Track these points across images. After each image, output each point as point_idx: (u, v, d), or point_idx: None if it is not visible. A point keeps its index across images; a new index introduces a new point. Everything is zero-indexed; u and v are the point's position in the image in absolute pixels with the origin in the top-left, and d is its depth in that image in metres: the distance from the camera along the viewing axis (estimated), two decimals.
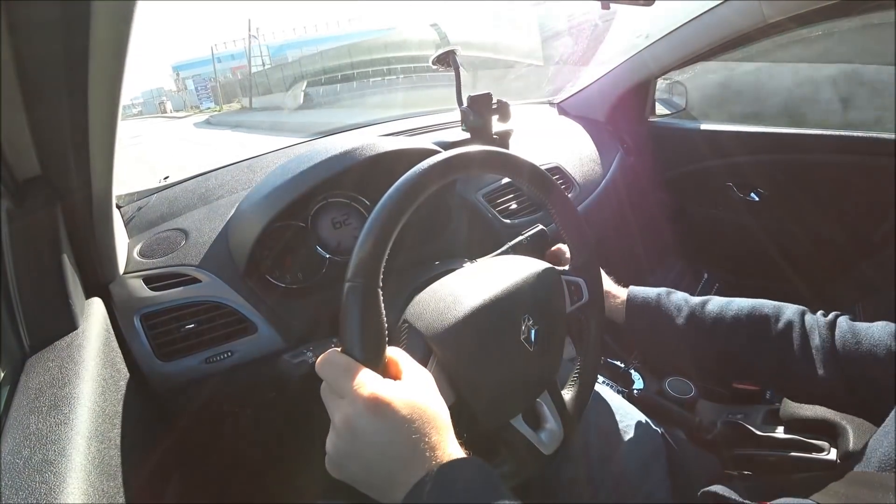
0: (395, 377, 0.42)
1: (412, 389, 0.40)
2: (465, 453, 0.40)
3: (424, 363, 0.49)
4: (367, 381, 0.39)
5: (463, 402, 0.52)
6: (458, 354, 0.52)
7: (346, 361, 0.41)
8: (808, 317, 0.63)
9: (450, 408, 0.50)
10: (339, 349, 0.42)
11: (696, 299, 0.71)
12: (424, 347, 0.52)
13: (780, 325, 0.63)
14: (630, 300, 0.72)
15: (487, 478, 0.38)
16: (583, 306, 0.66)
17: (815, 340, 0.60)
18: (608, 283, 0.74)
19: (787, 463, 0.74)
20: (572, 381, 0.66)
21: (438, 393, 0.43)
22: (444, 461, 0.37)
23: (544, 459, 0.58)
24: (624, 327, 0.72)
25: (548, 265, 0.63)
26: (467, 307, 0.53)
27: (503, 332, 0.55)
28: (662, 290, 0.73)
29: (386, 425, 0.37)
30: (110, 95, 0.53)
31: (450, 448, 0.39)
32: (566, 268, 0.67)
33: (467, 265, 0.64)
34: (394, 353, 0.45)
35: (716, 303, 0.69)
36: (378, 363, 0.42)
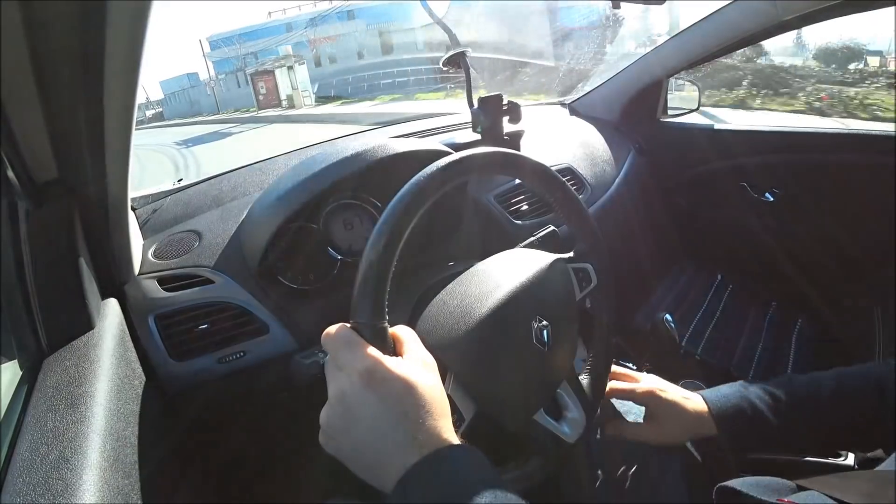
0: (399, 355, 0.42)
1: (412, 370, 0.39)
2: (461, 441, 0.38)
3: (442, 380, 0.49)
4: (366, 355, 0.38)
5: (484, 410, 0.52)
6: (473, 368, 0.52)
7: (350, 335, 0.40)
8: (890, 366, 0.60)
9: (472, 417, 0.50)
10: (347, 324, 0.42)
11: (769, 387, 0.65)
12: (440, 367, 0.52)
13: (874, 380, 0.60)
14: (716, 411, 0.64)
15: (484, 469, 0.37)
16: (592, 291, 0.66)
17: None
18: (677, 392, 0.68)
19: (802, 466, 0.73)
20: (588, 365, 0.66)
21: (439, 378, 0.42)
22: (439, 448, 0.36)
23: (570, 448, 0.58)
24: (718, 439, 0.64)
25: (553, 257, 0.63)
26: (476, 318, 0.53)
27: (515, 338, 0.55)
28: (737, 387, 0.66)
29: (377, 400, 0.37)
30: (126, 95, 0.53)
31: (445, 434, 0.37)
32: (571, 254, 0.66)
33: (473, 266, 0.64)
34: (401, 332, 0.44)
35: (802, 380, 0.64)
36: (384, 342, 0.42)
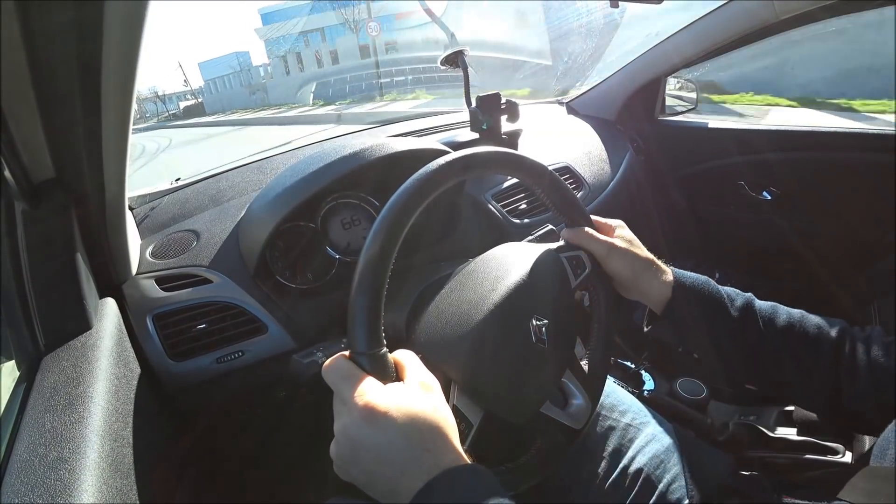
0: (401, 380, 0.42)
1: (412, 397, 0.40)
2: (470, 459, 0.39)
3: (447, 392, 0.49)
4: (365, 390, 0.39)
5: (491, 413, 0.52)
6: (475, 377, 0.52)
7: (349, 368, 0.41)
8: (856, 330, 0.60)
9: (479, 422, 0.51)
10: (346, 354, 0.42)
11: (746, 294, 0.66)
12: (443, 378, 0.52)
13: (833, 335, 0.60)
14: (678, 279, 0.66)
15: (488, 486, 0.38)
16: (588, 276, 0.65)
17: (861, 354, 0.56)
18: (651, 255, 0.69)
19: (801, 465, 0.73)
20: (590, 350, 0.66)
21: (442, 398, 0.43)
22: (444, 470, 0.37)
23: (577, 434, 0.58)
24: (667, 307, 0.65)
25: (543, 248, 0.63)
26: (473, 326, 0.53)
27: (514, 341, 0.54)
28: (705, 278, 0.67)
29: (381, 434, 0.37)
30: (123, 98, 0.53)
31: (451, 455, 0.38)
32: (561, 243, 0.66)
33: (466, 267, 0.64)
34: (401, 356, 0.44)
35: (766, 303, 0.66)
36: (384, 369, 0.42)
